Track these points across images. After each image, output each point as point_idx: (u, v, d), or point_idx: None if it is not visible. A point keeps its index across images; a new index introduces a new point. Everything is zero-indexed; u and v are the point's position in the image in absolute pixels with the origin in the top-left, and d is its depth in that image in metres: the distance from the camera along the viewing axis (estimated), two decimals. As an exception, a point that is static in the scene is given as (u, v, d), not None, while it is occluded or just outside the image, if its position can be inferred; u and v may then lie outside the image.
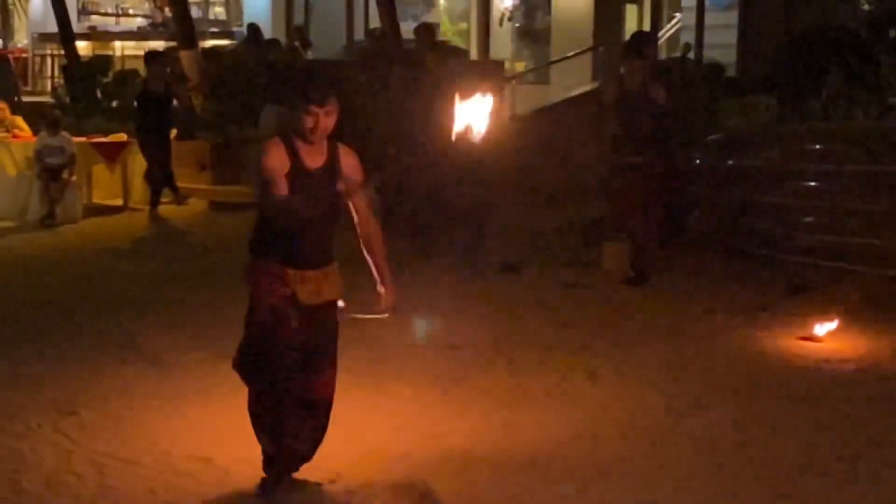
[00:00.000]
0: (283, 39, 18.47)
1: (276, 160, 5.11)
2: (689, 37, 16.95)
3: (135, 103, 14.39)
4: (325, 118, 5.11)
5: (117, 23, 25.68)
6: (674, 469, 5.76)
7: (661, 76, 10.19)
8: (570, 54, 17.70)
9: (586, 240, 11.24)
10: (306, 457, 5.45)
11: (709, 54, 15.40)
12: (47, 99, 19.53)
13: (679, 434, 6.27)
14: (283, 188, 5.07)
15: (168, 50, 16.95)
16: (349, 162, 5.32)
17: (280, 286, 5.16)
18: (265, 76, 15.57)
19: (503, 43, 21.36)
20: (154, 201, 14.14)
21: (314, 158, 5.21)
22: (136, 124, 14.25)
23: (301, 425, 5.32)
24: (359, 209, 5.39)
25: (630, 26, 18.23)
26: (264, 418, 5.30)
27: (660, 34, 17.61)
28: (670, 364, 7.64)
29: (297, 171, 5.14)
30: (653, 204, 9.93)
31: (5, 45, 24.51)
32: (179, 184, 14.46)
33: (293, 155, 5.15)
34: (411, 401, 6.76)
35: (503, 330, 8.52)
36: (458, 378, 7.25)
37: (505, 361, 7.69)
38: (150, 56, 14.84)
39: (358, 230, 5.43)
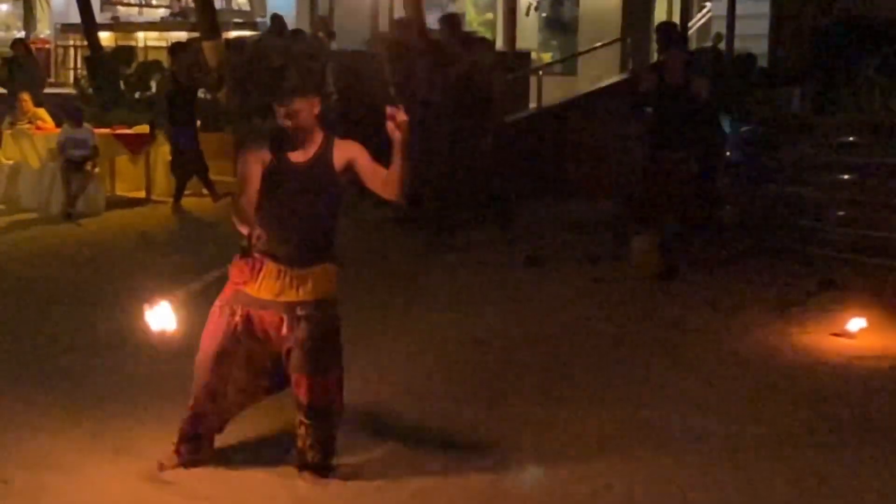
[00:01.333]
0: (307, 30, 18.33)
1: (251, 161, 5.15)
2: (719, 26, 16.77)
3: (164, 96, 14.27)
4: (289, 115, 5.09)
5: (140, 13, 25.72)
6: (702, 468, 5.65)
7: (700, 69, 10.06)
8: (597, 45, 17.52)
9: (614, 234, 11.12)
10: (319, 465, 5.37)
11: (740, 44, 15.25)
12: (70, 90, 19.49)
13: (708, 433, 6.15)
14: (251, 193, 5.11)
15: (191, 41, 16.86)
16: (343, 148, 5.21)
17: (244, 278, 5.17)
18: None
19: (530, 33, 21.22)
20: (178, 194, 14.03)
21: (301, 153, 5.17)
22: (166, 117, 14.10)
23: (307, 431, 5.32)
24: (368, 178, 5.23)
25: (659, 16, 18.03)
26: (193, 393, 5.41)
27: (690, 24, 17.41)
28: (700, 360, 7.57)
29: (278, 166, 5.14)
30: (687, 200, 9.79)
31: (27, 36, 24.51)
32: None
33: (278, 150, 5.15)
34: (440, 396, 6.68)
35: (529, 325, 8.44)
36: (487, 375, 7.19)
37: (532, 358, 7.60)
38: (177, 47, 14.73)
39: (379, 186, 5.24)
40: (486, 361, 7.51)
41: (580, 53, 18.78)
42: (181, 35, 19.79)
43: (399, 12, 16.85)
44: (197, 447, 5.48)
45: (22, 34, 24.79)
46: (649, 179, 10.06)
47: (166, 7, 25.90)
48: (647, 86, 10.10)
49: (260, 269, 5.17)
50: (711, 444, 5.98)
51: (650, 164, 10.02)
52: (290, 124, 5.13)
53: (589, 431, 6.18)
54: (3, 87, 17.11)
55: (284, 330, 5.22)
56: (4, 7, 29.95)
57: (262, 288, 5.20)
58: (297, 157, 5.18)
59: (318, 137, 5.20)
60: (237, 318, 5.25)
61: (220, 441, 5.66)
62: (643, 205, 10.22)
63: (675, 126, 9.64)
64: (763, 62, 14.29)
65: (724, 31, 15.80)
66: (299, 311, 5.19)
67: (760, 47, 14.87)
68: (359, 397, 6.11)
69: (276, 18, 17.25)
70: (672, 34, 10.17)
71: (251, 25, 23.02)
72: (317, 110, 5.19)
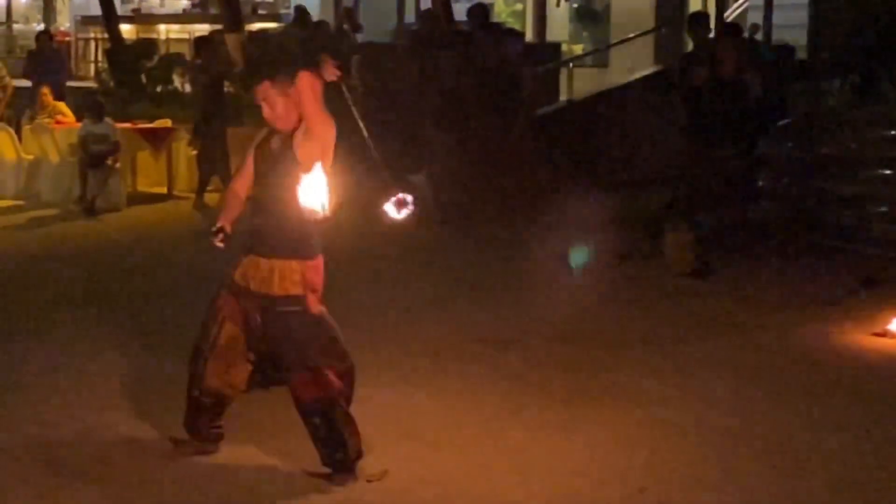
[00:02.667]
0: (331, 21, 18.15)
1: (252, 145, 5.28)
2: (756, 17, 16.53)
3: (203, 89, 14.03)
4: (261, 100, 5.14)
5: (162, 5, 25.72)
6: (739, 471, 5.58)
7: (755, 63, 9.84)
8: (630, 36, 17.25)
9: (648, 230, 10.89)
10: (326, 460, 5.28)
11: (778, 35, 15.01)
12: (91, 84, 19.41)
13: (745, 434, 6.06)
14: (244, 173, 5.31)
15: (213, 33, 16.68)
16: (301, 132, 5.12)
17: (235, 267, 5.26)
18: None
19: (560, 24, 21.08)
20: (201, 189, 13.80)
21: (277, 139, 5.22)
22: (201, 111, 13.81)
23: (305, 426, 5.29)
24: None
25: (694, 5, 17.73)
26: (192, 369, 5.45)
27: (726, 14, 17.11)
28: (736, 360, 7.48)
29: (259, 150, 5.25)
30: (729, 198, 9.53)
31: (47, 28, 24.48)
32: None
33: (268, 135, 5.25)
34: (465, 396, 6.61)
35: (560, 324, 8.29)
36: (512, 374, 7.11)
37: (561, 356, 7.50)
38: (204, 41, 14.51)
39: None
40: (511, 360, 7.41)
41: (612, 45, 18.50)
42: (203, 27, 19.70)
43: (426, 3, 16.66)
44: (195, 428, 5.52)
45: (41, 27, 24.81)
46: (692, 177, 9.79)
47: (188, -1, 25.87)
48: (700, 79, 9.83)
49: (240, 259, 5.28)
50: (750, 448, 5.87)
51: (693, 161, 9.76)
52: (264, 108, 5.16)
53: (619, 432, 6.08)
54: (27, 78, 17.01)
55: (249, 321, 5.24)
56: (24, -1, 30.08)
57: (237, 273, 5.25)
58: (273, 143, 5.22)
59: (299, 125, 5.15)
60: (223, 301, 5.29)
61: (244, 435, 5.69)
62: (683, 201, 9.96)
63: (723, 122, 9.46)
64: (803, 53, 14.05)
65: (760, 21, 15.53)
66: (261, 304, 5.19)
67: (800, 38, 14.63)
68: (380, 395, 6.17)
69: (300, 10, 17.08)
70: (727, 22, 9.96)
71: (274, 17, 22.96)
72: (293, 96, 5.13)
